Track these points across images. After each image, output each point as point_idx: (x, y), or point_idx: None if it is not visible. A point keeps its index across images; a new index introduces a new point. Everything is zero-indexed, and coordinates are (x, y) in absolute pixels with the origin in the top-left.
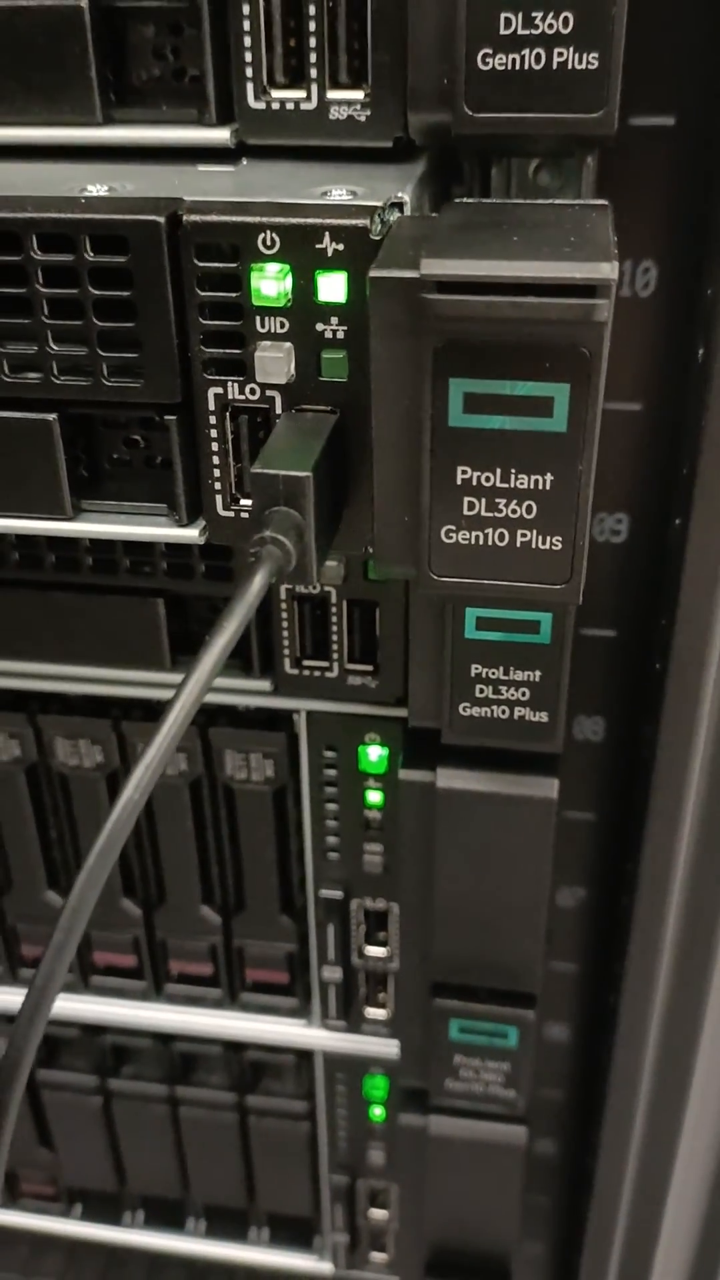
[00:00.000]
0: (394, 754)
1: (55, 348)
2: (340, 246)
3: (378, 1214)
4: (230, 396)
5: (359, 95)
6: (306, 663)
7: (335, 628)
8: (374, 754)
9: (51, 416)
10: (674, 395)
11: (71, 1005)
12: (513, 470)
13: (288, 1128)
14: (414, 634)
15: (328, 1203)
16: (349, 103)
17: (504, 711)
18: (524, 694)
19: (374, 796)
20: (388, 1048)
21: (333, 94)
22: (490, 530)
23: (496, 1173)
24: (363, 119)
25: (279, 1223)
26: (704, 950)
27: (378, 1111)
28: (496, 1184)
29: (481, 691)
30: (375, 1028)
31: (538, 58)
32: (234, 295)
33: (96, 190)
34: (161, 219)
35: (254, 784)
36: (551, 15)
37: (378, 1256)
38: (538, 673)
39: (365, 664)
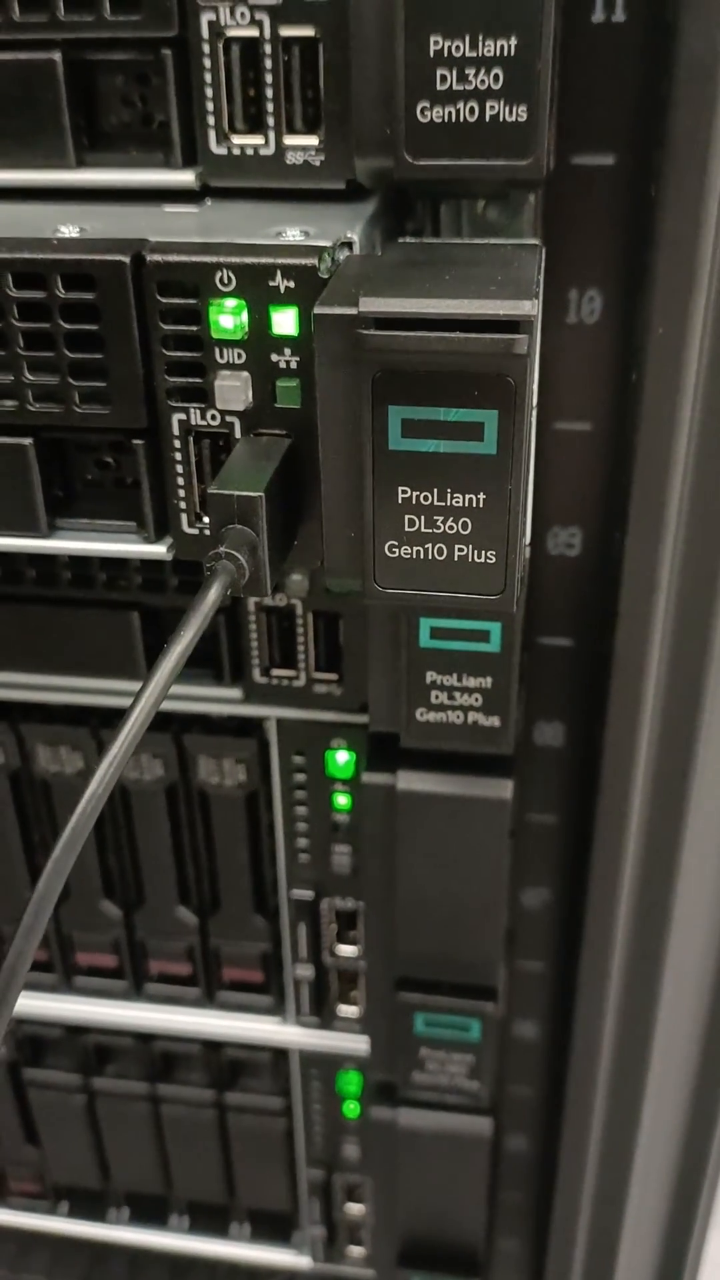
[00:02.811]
0: (360, 758)
1: (30, 377)
2: (291, 284)
3: (354, 1208)
4: (193, 422)
5: (313, 141)
6: (275, 672)
7: (301, 638)
8: (341, 758)
9: (27, 441)
10: (620, 415)
11: (56, 1005)
12: (449, 490)
13: (265, 1124)
14: (373, 644)
15: (305, 1197)
16: (304, 148)
17: (458, 716)
18: (477, 700)
19: (342, 800)
20: (360, 1044)
21: (289, 140)
22: (429, 545)
23: (464, 1163)
24: (317, 163)
25: (259, 1218)
26: (655, 943)
27: (351, 1107)
28: (464, 1174)
29: (436, 698)
30: (348, 1025)
31: (471, 110)
32: (194, 329)
33: (68, 231)
34: (126, 259)
35: (227, 789)
36: (483, 72)
37: (355, 1250)
38: (489, 679)
39: (330, 673)
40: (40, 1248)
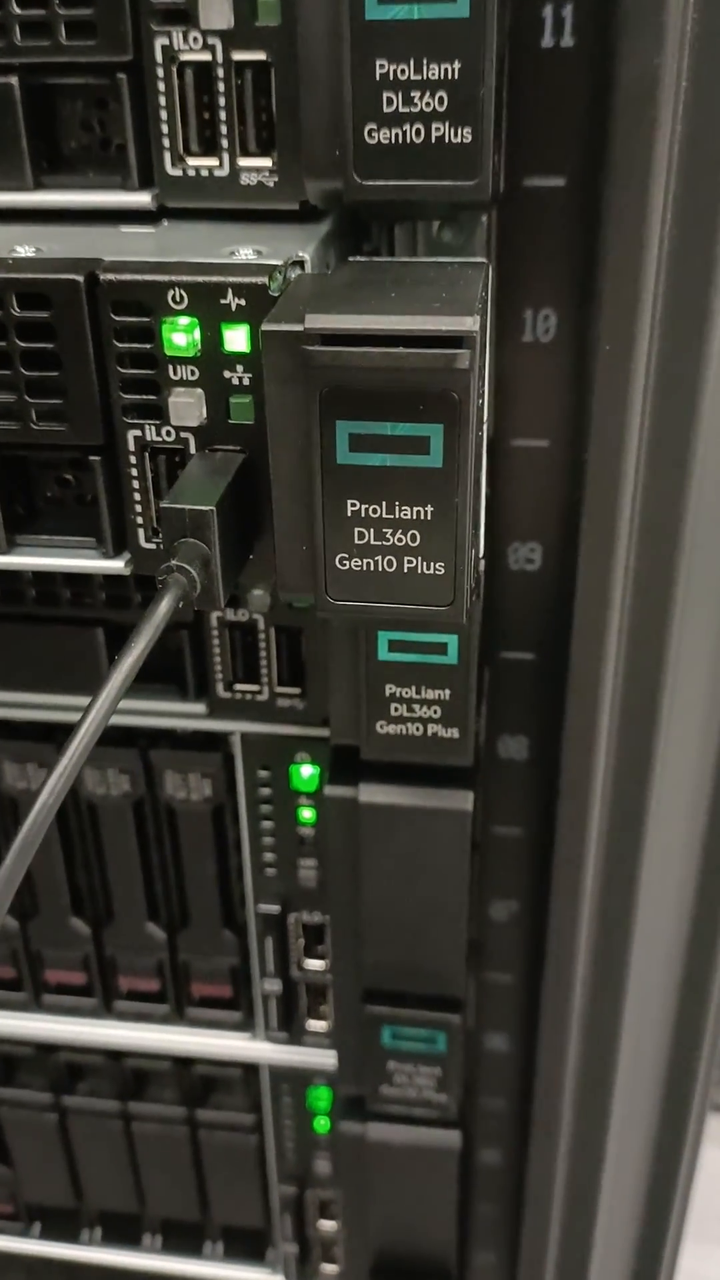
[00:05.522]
0: (324, 772)
1: None
2: (242, 302)
3: (326, 1224)
4: (148, 438)
5: (267, 162)
6: (239, 686)
7: (264, 653)
8: (305, 772)
9: None
10: (577, 432)
11: (25, 1024)
12: (397, 503)
13: (237, 1140)
14: (332, 657)
15: (278, 1214)
16: (258, 169)
17: (418, 729)
18: (436, 711)
19: (307, 813)
20: (329, 1059)
21: (243, 161)
22: (379, 557)
23: (434, 1176)
24: (271, 184)
25: (232, 1235)
26: (618, 952)
27: (322, 1122)
28: (434, 1187)
29: (396, 710)
30: (317, 1039)
31: (418, 132)
32: (148, 346)
33: (24, 251)
34: (80, 278)
35: (193, 803)
36: (428, 94)
37: (328, 1267)
38: (447, 691)
39: (293, 686)
40: (14, 1270)
